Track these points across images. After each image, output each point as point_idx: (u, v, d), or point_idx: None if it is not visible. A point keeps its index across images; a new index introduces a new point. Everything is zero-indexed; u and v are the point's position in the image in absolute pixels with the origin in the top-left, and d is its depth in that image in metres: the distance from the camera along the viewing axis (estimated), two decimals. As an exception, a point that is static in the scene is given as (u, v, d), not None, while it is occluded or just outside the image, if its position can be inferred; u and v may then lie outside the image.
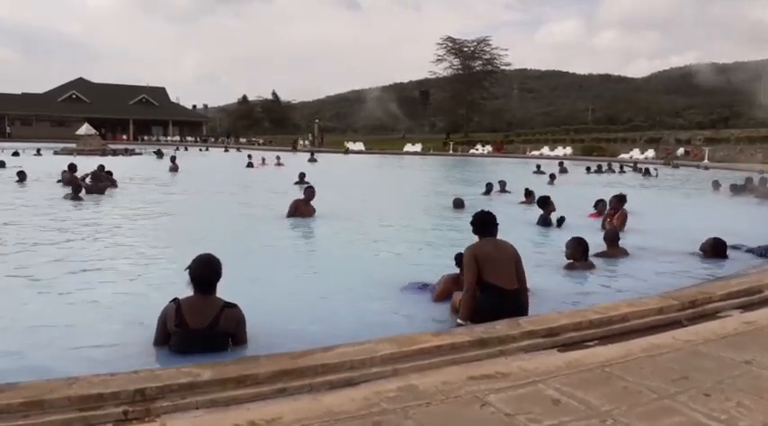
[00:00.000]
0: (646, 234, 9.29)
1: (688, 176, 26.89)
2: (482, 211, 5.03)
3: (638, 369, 3.41)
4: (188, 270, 3.99)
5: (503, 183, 16.68)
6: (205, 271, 3.97)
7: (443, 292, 5.33)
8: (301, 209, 10.53)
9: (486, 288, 4.53)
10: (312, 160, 31.89)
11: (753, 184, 17.39)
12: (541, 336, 3.91)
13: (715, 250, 7.44)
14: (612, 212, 9.98)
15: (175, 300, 3.96)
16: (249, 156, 33.64)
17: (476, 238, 4.92)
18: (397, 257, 7.99)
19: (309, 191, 10.86)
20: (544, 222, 10.15)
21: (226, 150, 48.09)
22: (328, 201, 12.08)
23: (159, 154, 31.94)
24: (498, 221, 4.96)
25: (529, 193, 13.32)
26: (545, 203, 10.32)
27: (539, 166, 27.53)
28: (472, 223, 4.98)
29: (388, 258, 7.97)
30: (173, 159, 24.00)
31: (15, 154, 30.63)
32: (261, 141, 65.69)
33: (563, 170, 27.22)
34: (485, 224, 4.90)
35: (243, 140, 67.98)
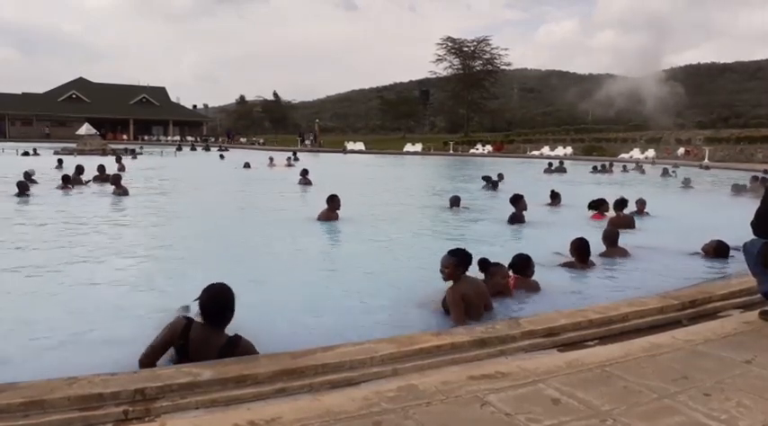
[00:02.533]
0: (645, 233, 9.29)
1: (690, 176, 26.81)
2: (463, 250, 5.08)
3: (638, 369, 3.41)
4: (198, 301, 3.65)
5: (500, 176, 16.78)
6: (217, 306, 3.63)
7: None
8: (330, 217, 10.10)
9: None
10: (295, 159, 31.86)
11: (755, 184, 17.40)
12: (541, 336, 3.91)
13: (718, 252, 7.42)
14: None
15: (188, 319, 3.65)
16: (222, 156, 33.27)
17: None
18: (398, 256, 7.99)
19: (335, 201, 10.09)
20: (514, 220, 10.22)
21: (220, 149, 47.65)
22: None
23: (118, 157, 28.84)
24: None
25: (554, 195, 13.13)
26: (516, 201, 10.42)
27: (550, 164, 27.72)
28: (459, 258, 5.01)
29: (389, 257, 7.97)
30: (118, 159, 23.24)
31: (26, 154, 30.64)
32: (261, 141, 65.69)
33: (562, 170, 27.27)
34: (468, 262, 4.99)
35: (243, 140, 67.91)
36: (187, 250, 8.15)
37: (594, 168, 28.04)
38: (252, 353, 3.58)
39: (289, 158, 28.64)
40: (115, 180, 14.41)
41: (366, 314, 5.17)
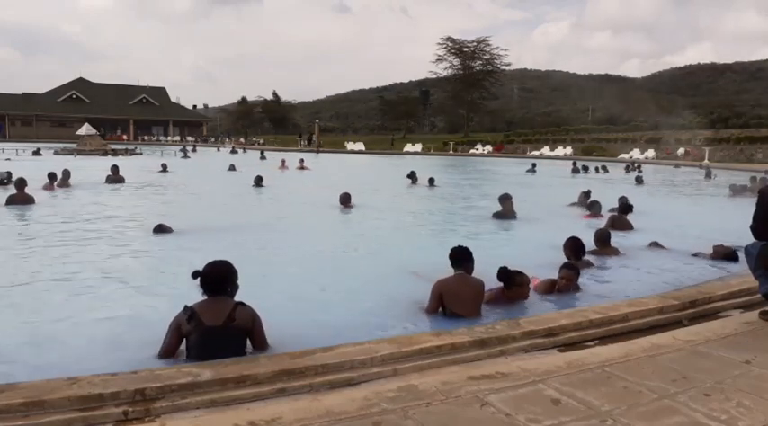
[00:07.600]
0: (645, 234, 9.27)
1: (689, 176, 26.81)
2: (459, 247, 5.14)
3: (638, 369, 3.41)
4: (198, 275, 3.87)
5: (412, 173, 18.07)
6: (214, 273, 3.88)
7: (488, 299, 5.41)
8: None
9: (451, 316, 4.81)
10: (263, 158, 31.38)
11: (755, 184, 17.38)
12: (542, 336, 3.91)
13: (727, 258, 7.32)
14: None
15: (186, 307, 3.82)
16: (186, 156, 32.37)
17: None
18: (397, 256, 7.98)
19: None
20: (499, 216, 10.65)
21: (217, 150, 47.28)
22: (325, 201, 12.07)
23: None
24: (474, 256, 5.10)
25: (587, 195, 12.64)
26: (504, 200, 10.80)
27: (575, 163, 28.56)
28: (449, 256, 5.10)
29: (388, 257, 7.96)
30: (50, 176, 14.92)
31: (36, 152, 30.83)
32: (261, 141, 65.73)
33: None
34: (458, 258, 5.06)
35: (242, 140, 67.94)
36: (186, 252, 8.15)
37: (596, 169, 27.89)
38: (256, 319, 3.83)
39: (302, 160, 26.53)
40: (19, 184, 11.70)
41: (366, 313, 5.15)
